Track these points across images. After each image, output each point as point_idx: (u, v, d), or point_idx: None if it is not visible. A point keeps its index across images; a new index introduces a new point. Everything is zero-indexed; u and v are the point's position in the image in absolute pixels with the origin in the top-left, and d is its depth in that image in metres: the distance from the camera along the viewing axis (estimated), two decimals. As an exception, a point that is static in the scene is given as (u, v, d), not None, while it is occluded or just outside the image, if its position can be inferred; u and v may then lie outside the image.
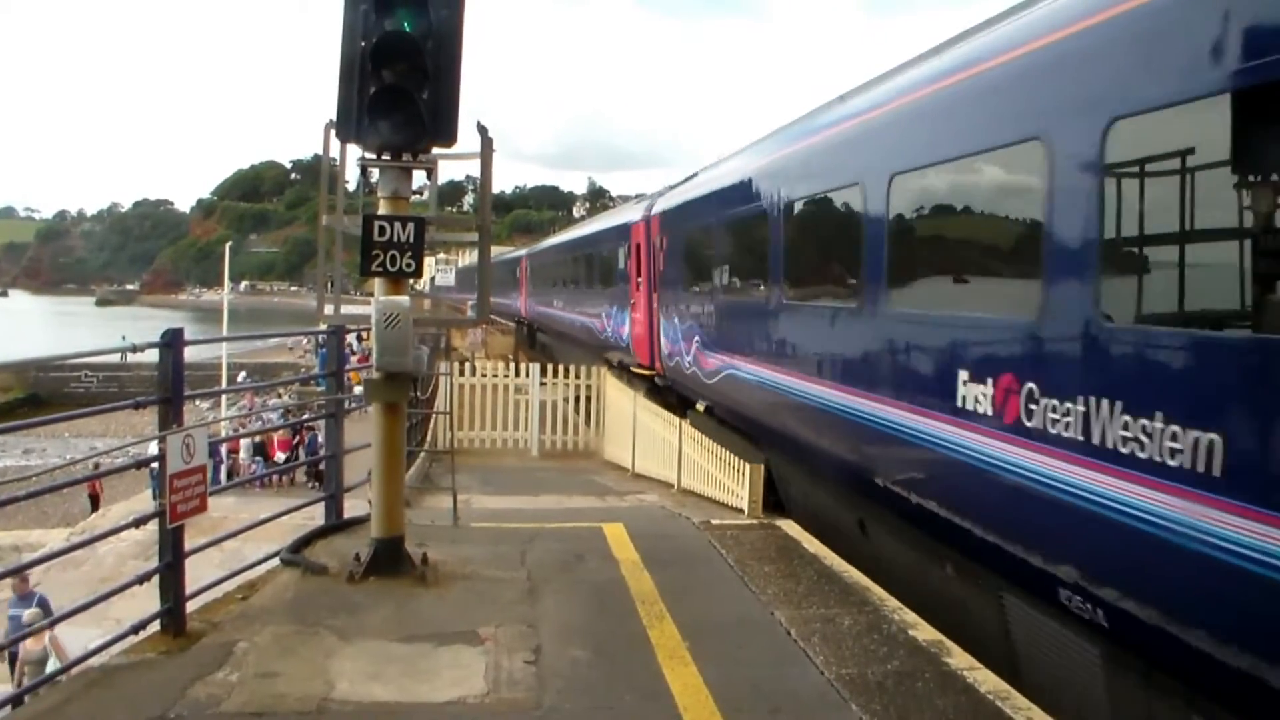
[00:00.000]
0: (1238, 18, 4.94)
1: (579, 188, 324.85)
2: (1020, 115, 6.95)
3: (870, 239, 9.41)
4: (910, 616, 8.18)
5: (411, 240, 8.25)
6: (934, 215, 8.86)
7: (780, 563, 9.85)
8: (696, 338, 16.50)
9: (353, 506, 10.52)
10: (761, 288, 13.25)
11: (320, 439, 21.64)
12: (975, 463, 7.25)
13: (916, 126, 8.79)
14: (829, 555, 10.23)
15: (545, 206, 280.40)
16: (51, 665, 11.03)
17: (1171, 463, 5.24)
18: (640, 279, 21.54)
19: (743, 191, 14.36)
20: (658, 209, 20.58)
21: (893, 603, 8.58)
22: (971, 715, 6.27)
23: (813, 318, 11.47)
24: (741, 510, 12.57)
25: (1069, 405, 6.15)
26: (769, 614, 8.18)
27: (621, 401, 20.68)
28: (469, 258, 68.21)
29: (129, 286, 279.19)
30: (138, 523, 7.83)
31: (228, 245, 67.91)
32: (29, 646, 11.28)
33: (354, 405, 11.69)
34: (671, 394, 19.13)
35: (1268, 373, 4.78)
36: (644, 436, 18.46)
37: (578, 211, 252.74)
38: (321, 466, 14.52)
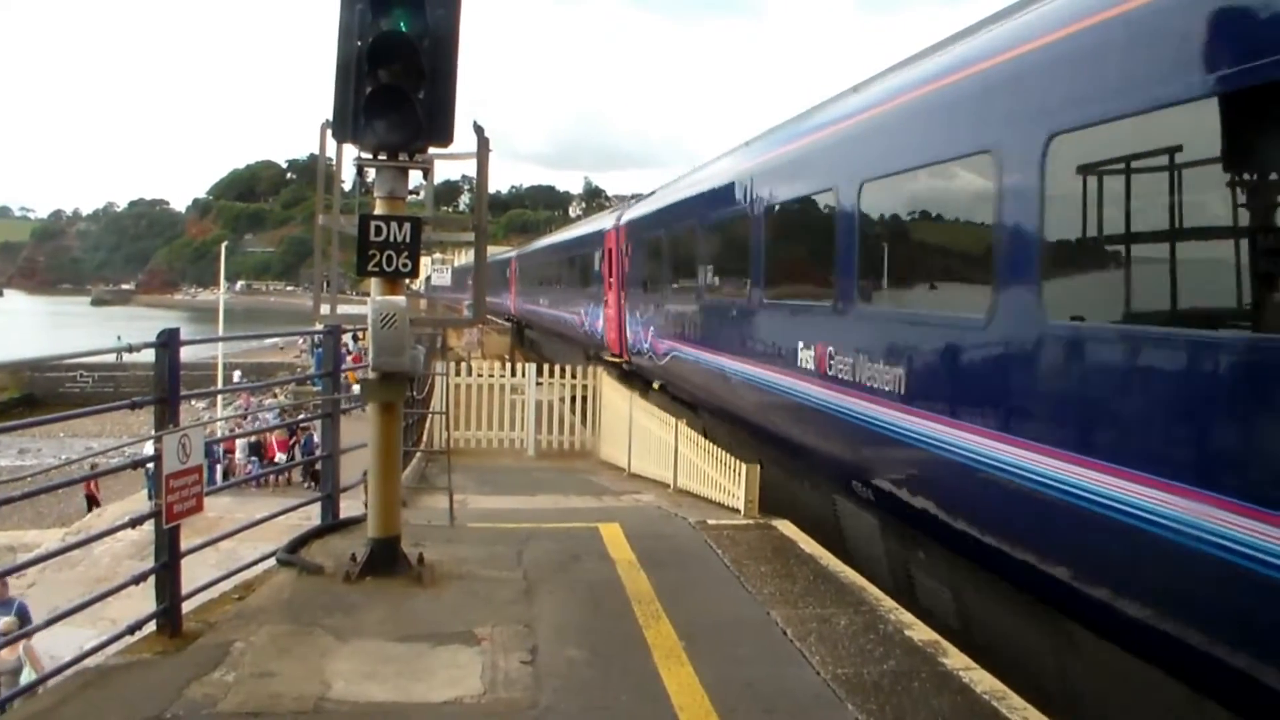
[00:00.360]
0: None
1: (575, 187, 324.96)
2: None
3: (753, 249, 13.75)
4: (906, 617, 8.18)
5: (408, 240, 8.26)
6: (794, 224, 12.82)
7: (776, 562, 9.85)
8: (652, 328, 20.38)
9: (349, 507, 10.52)
10: (693, 287, 17.30)
11: (317, 439, 21.64)
12: (805, 402, 11.31)
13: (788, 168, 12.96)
14: (825, 555, 10.23)
15: (541, 206, 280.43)
16: (26, 676, 10.93)
17: (886, 389, 9.23)
18: (611, 279, 24.89)
19: (679, 210, 18.62)
20: (625, 219, 24.08)
21: (889, 603, 8.59)
22: (968, 715, 6.27)
23: (722, 310, 15.65)
24: (738, 510, 12.57)
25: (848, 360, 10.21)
26: (765, 614, 8.18)
27: (618, 402, 20.67)
28: (464, 257, 68.28)
29: (125, 286, 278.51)
30: (134, 523, 7.83)
31: (224, 245, 67.93)
32: (2, 656, 11.18)
33: (351, 405, 11.65)
34: (637, 378, 22.42)
35: (908, 334, 9.14)
36: (640, 436, 18.46)
37: (574, 211, 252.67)
38: (318, 466, 14.51)
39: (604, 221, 28.13)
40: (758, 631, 7.80)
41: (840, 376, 10.26)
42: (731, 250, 15.46)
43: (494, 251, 67.07)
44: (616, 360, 24.55)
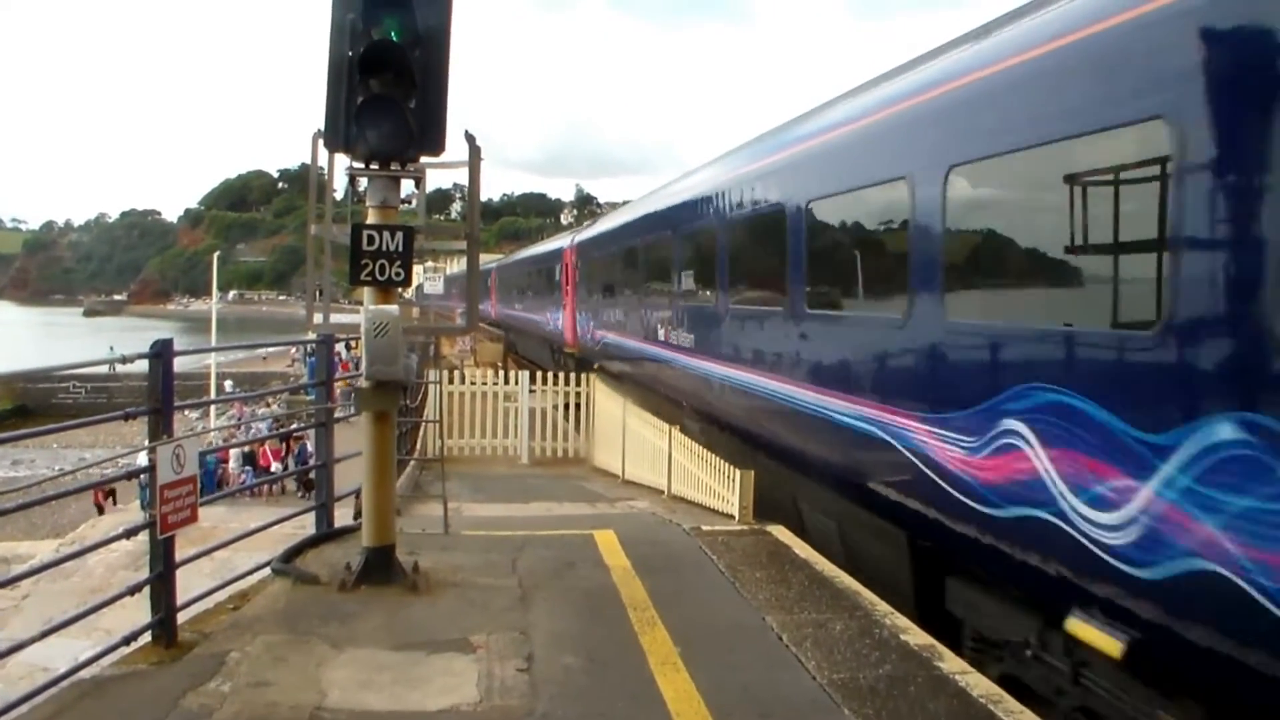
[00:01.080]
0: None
1: (567, 195, 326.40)
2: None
3: (639, 263, 21.17)
4: (902, 621, 8.19)
5: (400, 249, 8.27)
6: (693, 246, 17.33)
7: (771, 568, 9.86)
8: (593, 323, 26.67)
9: (343, 516, 10.53)
10: (614, 290, 24.41)
11: (310, 448, 21.63)
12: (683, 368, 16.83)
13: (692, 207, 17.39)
14: (820, 560, 10.24)
15: (533, 214, 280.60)
16: None
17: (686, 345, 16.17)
18: (568, 287, 31.13)
19: (605, 239, 26.08)
20: (576, 240, 31.02)
21: (884, 607, 8.60)
22: (963, 719, 6.29)
23: (632, 305, 21.46)
24: (732, 516, 12.58)
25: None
26: (760, 619, 8.19)
27: (611, 408, 20.69)
28: (456, 265, 68.25)
29: (117, 297, 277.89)
30: (128, 534, 7.82)
31: (216, 254, 67.53)
32: None
33: (344, 415, 11.65)
34: (586, 364, 27.62)
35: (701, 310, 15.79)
36: (634, 443, 18.47)
37: (566, 219, 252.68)
38: (312, 475, 14.49)
39: (563, 241, 34.86)
40: (753, 637, 7.80)
41: (673, 342, 17.51)
42: (648, 265, 20.57)
43: (484, 260, 67.38)
44: (571, 351, 30.76)
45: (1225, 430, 5.23)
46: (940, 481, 8.01)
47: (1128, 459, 5.91)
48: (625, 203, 32.45)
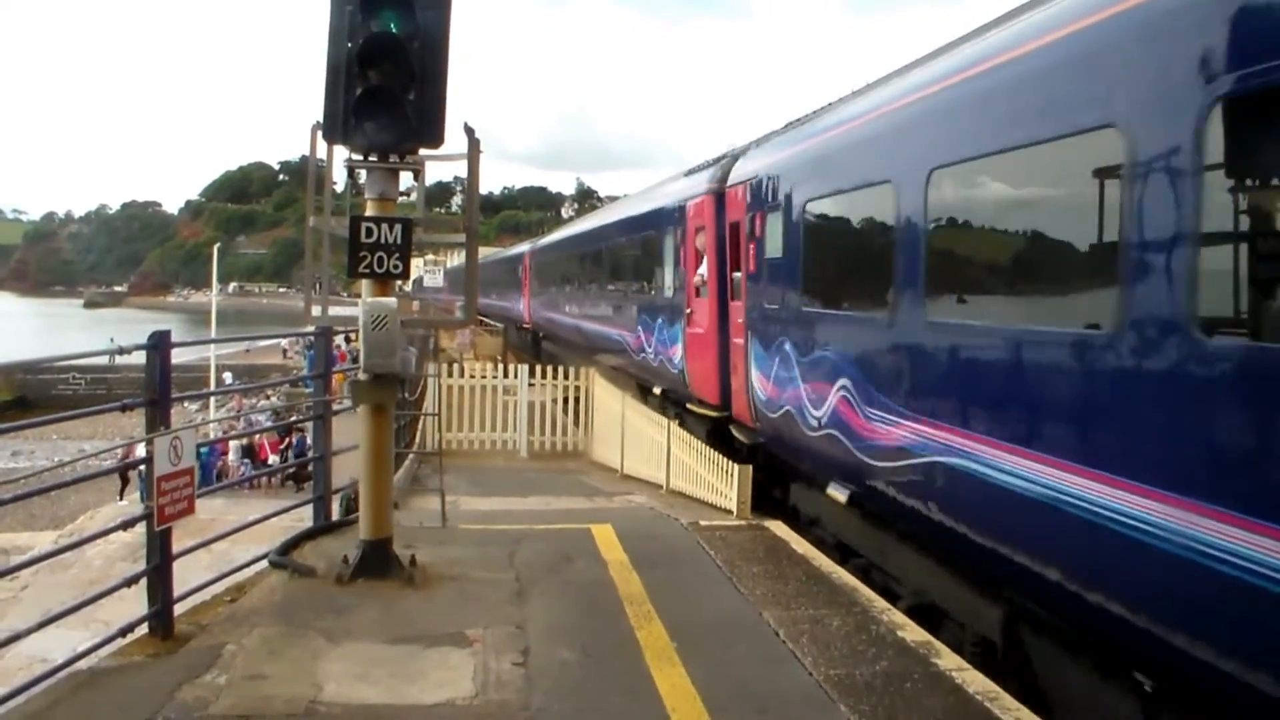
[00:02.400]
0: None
1: (567, 188, 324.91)
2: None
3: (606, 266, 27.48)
4: (899, 617, 8.20)
5: (399, 242, 8.26)
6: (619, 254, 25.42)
7: (769, 563, 9.87)
8: (541, 307, 37.97)
9: (338, 512, 10.52)
10: (569, 286, 32.47)
11: (309, 441, 21.63)
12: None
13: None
14: (818, 556, 10.26)
15: (534, 207, 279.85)
16: None
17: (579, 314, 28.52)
18: (525, 285, 43.87)
19: (563, 246, 35.08)
20: (534, 247, 44.71)
21: (881, 603, 8.61)
22: (960, 716, 6.29)
23: (569, 295, 31.46)
24: (730, 511, 12.59)
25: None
26: (757, 614, 8.20)
27: (610, 403, 20.69)
28: (456, 258, 68.29)
29: (117, 288, 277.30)
30: (125, 525, 7.82)
31: (216, 247, 67.45)
32: None
33: (341, 409, 11.66)
34: (535, 336, 40.30)
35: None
36: (633, 438, 18.48)
37: (566, 212, 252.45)
38: (309, 469, 14.49)
39: (522, 248, 50.23)
40: (750, 632, 7.81)
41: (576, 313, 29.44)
42: (583, 267, 30.02)
43: (485, 252, 67.58)
44: (527, 327, 44.02)
45: None
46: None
47: None
48: (624, 196, 35.14)
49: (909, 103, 9.08)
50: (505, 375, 23.35)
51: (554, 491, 16.98)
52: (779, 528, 11.59)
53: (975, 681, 6.80)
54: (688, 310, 16.73)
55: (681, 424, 16.46)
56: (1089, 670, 6.75)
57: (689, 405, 16.94)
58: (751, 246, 13.52)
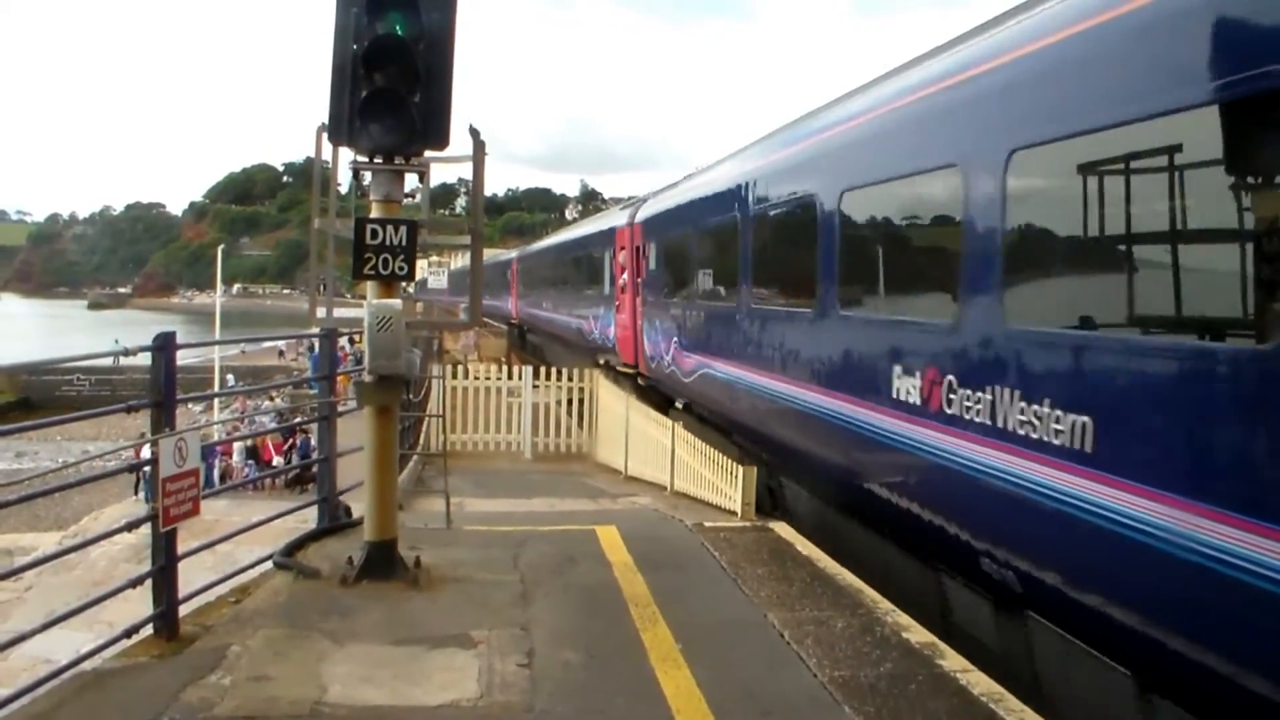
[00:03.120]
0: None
1: (571, 190, 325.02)
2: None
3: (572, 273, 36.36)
4: (903, 619, 8.19)
5: (404, 243, 8.26)
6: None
7: (773, 565, 9.86)
8: (526, 305, 46.50)
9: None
10: (545, 286, 40.92)
11: (313, 442, 21.62)
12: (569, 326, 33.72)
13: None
14: (822, 558, 10.24)
15: (538, 209, 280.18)
16: None
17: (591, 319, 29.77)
18: (512, 286, 52.06)
19: (540, 255, 45.23)
20: (518, 254, 55.41)
21: (886, 605, 8.60)
22: (965, 717, 6.29)
23: (549, 295, 39.12)
24: (734, 512, 12.58)
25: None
26: (762, 616, 8.19)
27: (614, 404, 20.69)
28: (458, 260, 68.36)
29: (121, 290, 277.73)
30: (130, 526, 7.82)
31: (220, 248, 67.60)
32: None
33: (346, 409, 11.66)
34: (517, 328, 48.94)
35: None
36: (637, 439, 18.48)
37: (570, 214, 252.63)
38: (314, 470, 14.48)
39: (510, 254, 60.58)
40: (754, 634, 7.81)
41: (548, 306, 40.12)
42: (553, 271, 38.70)
43: (487, 254, 67.86)
44: (514, 323, 53.03)
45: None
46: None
47: None
48: (630, 198, 35.05)
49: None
50: (509, 377, 23.35)
51: (558, 493, 16.98)
52: (783, 529, 11.59)
53: (980, 683, 6.79)
54: (616, 303, 24.13)
55: (609, 378, 23.57)
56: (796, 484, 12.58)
57: (618, 368, 24.04)
58: (642, 261, 21.10)
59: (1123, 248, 6.24)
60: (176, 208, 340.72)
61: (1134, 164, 5.99)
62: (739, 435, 14.26)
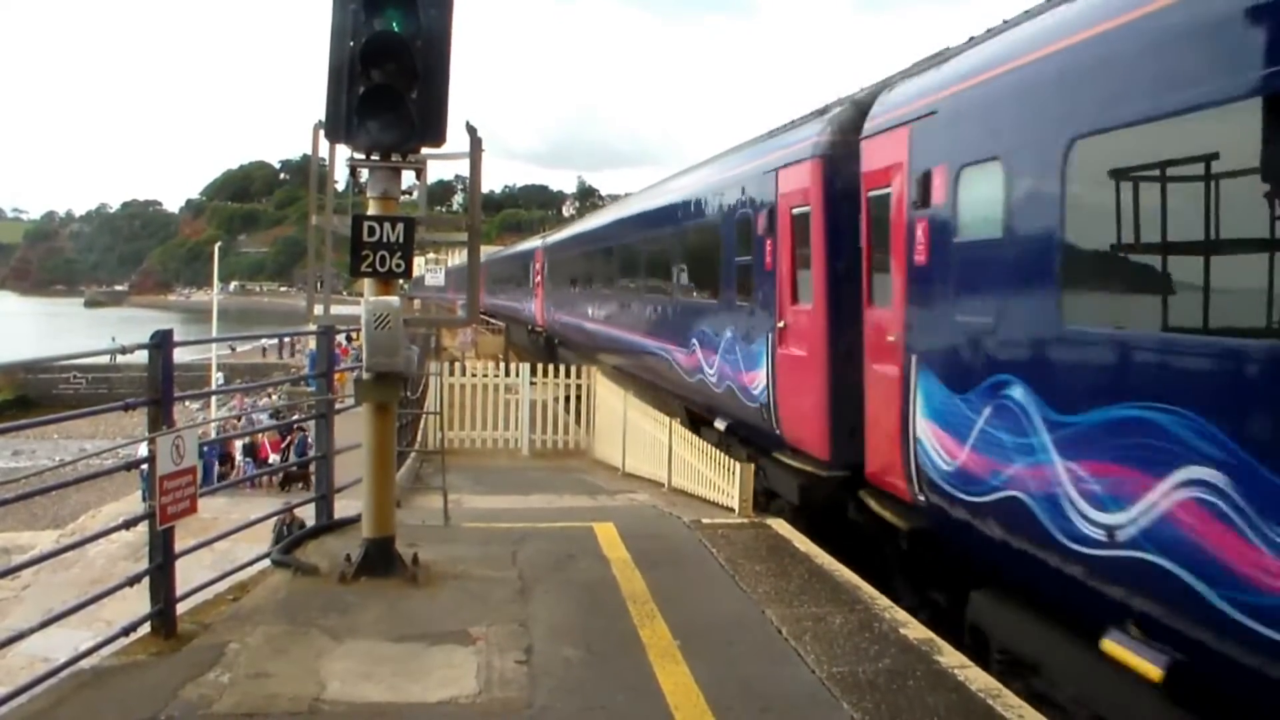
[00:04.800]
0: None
1: (569, 186, 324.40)
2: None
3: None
4: (901, 615, 8.20)
5: (401, 240, 8.27)
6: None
7: (771, 561, 9.87)
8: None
9: (343, 507, 10.51)
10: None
11: (310, 439, 21.59)
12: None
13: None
14: (820, 554, 10.25)
15: (535, 206, 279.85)
16: None
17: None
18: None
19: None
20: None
21: (884, 601, 8.61)
22: (963, 713, 6.29)
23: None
24: (732, 509, 12.58)
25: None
26: (760, 613, 8.20)
27: (612, 401, 20.68)
28: (456, 257, 68.37)
29: (118, 287, 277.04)
30: (128, 524, 7.82)
31: (217, 246, 67.49)
32: None
33: (344, 408, 11.67)
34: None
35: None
36: (634, 436, 18.48)
37: (567, 210, 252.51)
38: (310, 469, 14.47)
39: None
40: (753, 630, 7.81)
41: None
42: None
43: (488, 250, 67.95)
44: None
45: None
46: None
47: None
48: (626, 195, 35.63)
49: None
50: (507, 374, 23.35)
51: (556, 490, 16.98)
52: (781, 526, 11.59)
53: (978, 679, 6.80)
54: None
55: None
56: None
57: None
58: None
59: None
60: (173, 205, 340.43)
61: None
62: None
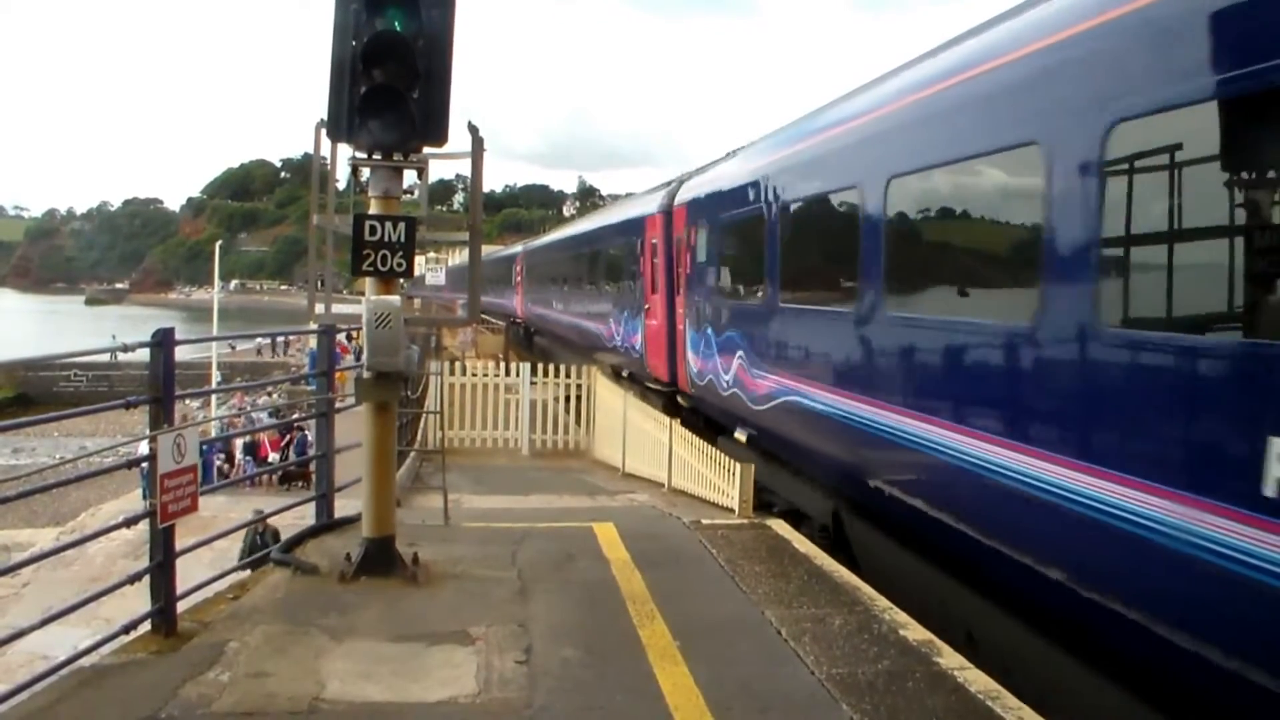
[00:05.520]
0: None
1: (569, 186, 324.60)
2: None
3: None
4: (901, 616, 8.19)
5: (402, 240, 8.26)
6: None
7: (771, 562, 9.86)
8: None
9: (343, 506, 10.52)
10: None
11: (310, 438, 21.59)
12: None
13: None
14: (819, 555, 10.24)
15: (535, 205, 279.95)
16: None
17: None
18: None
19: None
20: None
21: (883, 602, 8.60)
22: (962, 715, 6.28)
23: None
24: (732, 510, 12.59)
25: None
26: (760, 614, 8.19)
27: (612, 401, 20.70)
28: (457, 257, 68.35)
29: (119, 285, 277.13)
30: (128, 522, 7.82)
31: (218, 244, 67.46)
32: None
33: (345, 407, 11.67)
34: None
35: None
36: (634, 436, 18.49)
37: (568, 210, 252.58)
38: (310, 468, 14.48)
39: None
40: (752, 631, 7.81)
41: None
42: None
43: (486, 251, 68.22)
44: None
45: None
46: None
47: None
48: (628, 195, 37.84)
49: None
50: (507, 373, 23.35)
51: (556, 490, 16.99)
52: (781, 526, 11.59)
53: (977, 680, 6.79)
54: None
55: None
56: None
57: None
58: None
59: None
60: (174, 203, 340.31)
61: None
62: None
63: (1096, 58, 6.38)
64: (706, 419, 16.47)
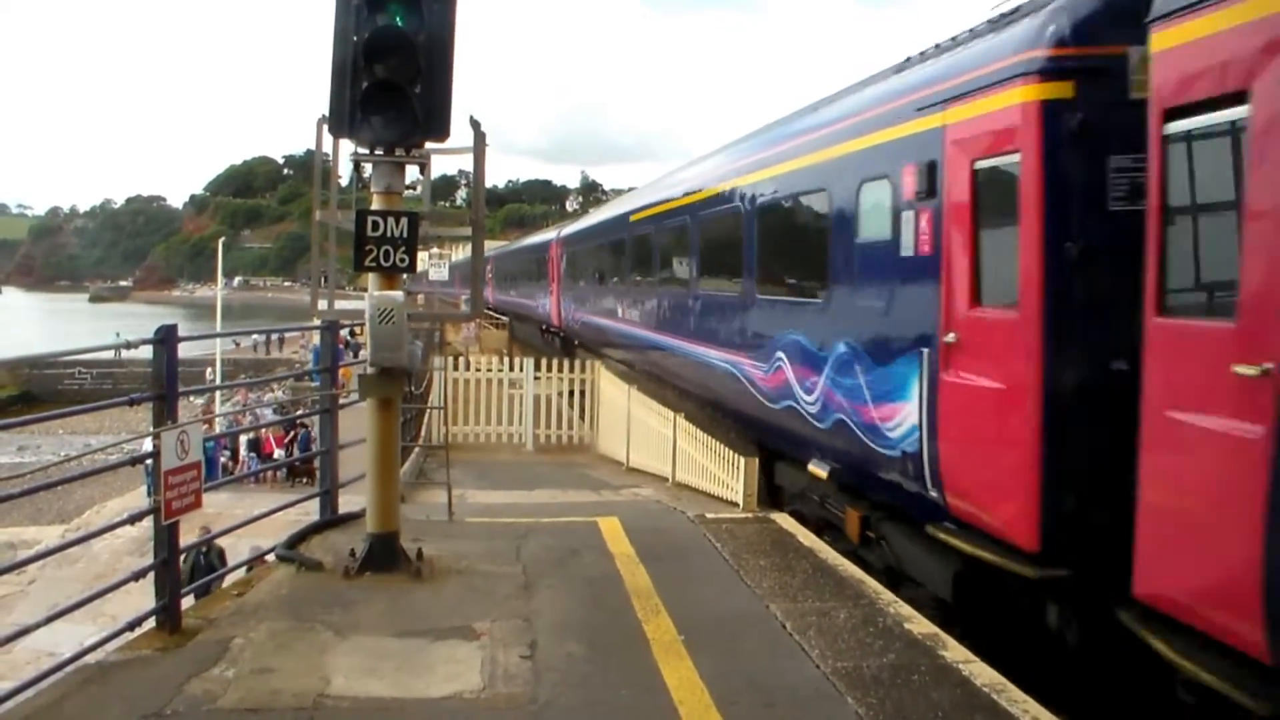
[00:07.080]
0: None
1: (573, 181, 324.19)
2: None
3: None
4: (906, 610, 8.19)
5: (405, 235, 8.26)
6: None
7: (775, 556, 9.86)
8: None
9: (347, 502, 10.52)
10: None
11: (313, 434, 21.59)
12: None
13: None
14: (824, 549, 10.24)
15: (538, 200, 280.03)
16: None
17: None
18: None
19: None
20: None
21: (888, 596, 8.59)
22: (967, 708, 6.28)
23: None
24: (736, 504, 12.57)
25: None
26: (764, 607, 8.19)
27: (616, 396, 20.67)
28: (460, 252, 68.34)
29: (122, 283, 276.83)
30: (132, 519, 7.83)
31: (221, 241, 67.47)
32: None
33: (348, 403, 11.67)
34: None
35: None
36: (638, 431, 18.46)
37: (571, 205, 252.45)
38: (314, 464, 14.48)
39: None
40: (757, 625, 7.80)
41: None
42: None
43: (499, 244, 68.06)
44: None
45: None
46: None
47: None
48: (630, 189, 36.11)
49: None
50: (511, 369, 23.34)
51: (560, 485, 16.94)
52: (785, 520, 11.59)
53: (983, 674, 6.79)
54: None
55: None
56: None
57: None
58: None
59: None
60: (177, 201, 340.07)
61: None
62: None
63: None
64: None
